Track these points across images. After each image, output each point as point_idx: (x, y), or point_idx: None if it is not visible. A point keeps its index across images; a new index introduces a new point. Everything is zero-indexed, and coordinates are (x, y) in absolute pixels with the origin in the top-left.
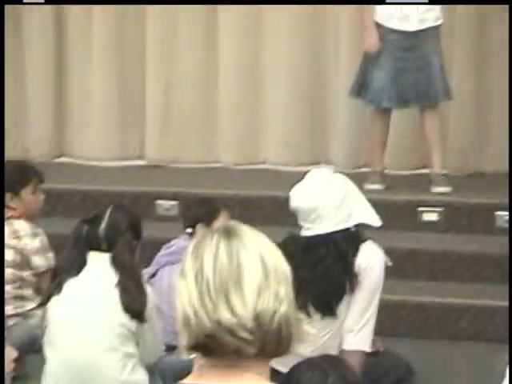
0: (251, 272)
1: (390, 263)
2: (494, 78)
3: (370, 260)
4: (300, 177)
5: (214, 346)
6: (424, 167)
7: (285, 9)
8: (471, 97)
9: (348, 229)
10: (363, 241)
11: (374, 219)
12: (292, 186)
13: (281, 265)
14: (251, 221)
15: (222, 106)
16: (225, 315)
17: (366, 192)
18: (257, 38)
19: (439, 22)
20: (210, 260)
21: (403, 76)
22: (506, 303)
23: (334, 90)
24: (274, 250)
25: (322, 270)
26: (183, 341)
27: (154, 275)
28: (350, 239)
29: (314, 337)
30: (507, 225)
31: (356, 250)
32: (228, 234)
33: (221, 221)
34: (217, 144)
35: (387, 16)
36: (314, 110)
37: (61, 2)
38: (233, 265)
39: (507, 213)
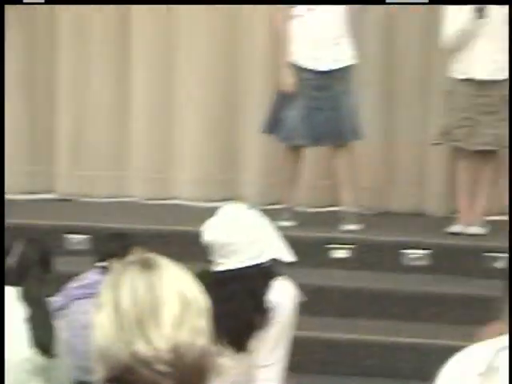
0: (169, 304)
1: (301, 299)
2: (402, 119)
3: (282, 296)
4: (212, 212)
5: (130, 378)
6: (335, 205)
7: (197, 45)
8: (380, 136)
9: (261, 264)
10: (275, 277)
11: (287, 255)
12: (203, 221)
13: (199, 297)
14: (163, 256)
15: (134, 141)
16: (141, 347)
17: (277, 228)
18: (168, 75)
19: (352, 62)
20: (127, 292)
21: (316, 115)
22: (414, 340)
23: (246, 127)
24: (192, 283)
25: (233, 306)
26: (99, 374)
27: (62, 308)
28: (262, 275)
29: (229, 371)
30: (415, 262)
31: (268, 286)
32: (146, 266)
33: (134, 255)
34: (128, 179)
35: (301, 56)
36: (225, 146)
37: (61, 2)
38: (150, 297)
39: (414, 251)
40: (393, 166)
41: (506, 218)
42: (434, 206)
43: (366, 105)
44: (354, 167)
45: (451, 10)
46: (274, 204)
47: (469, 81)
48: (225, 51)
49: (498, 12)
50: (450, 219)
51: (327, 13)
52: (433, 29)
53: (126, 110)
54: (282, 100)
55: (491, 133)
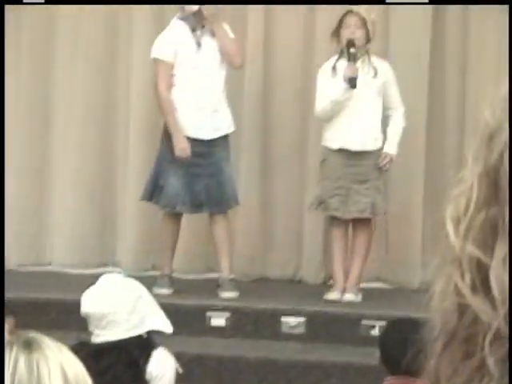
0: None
1: (180, 370)
2: (278, 186)
3: (162, 367)
4: (88, 279)
5: None
6: (212, 271)
7: (74, 111)
8: (257, 204)
9: (140, 335)
10: (154, 347)
11: (165, 326)
12: (80, 288)
13: (82, 375)
14: (37, 326)
15: (8, 207)
16: None
17: (154, 296)
18: (45, 141)
19: (231, 130)
20: (9, 373)
21: (196, 182)
22: None
23: (122, 192)
24: (75, 361)
25: (111, 378)
26: None
27: None
28: (141, 346)
29: None
30: (292, 330)
31: (147, 356)
32: (28, 345)
33: (6, 327)
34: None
35: (182, 124)
36: (101, 211)
37: (61, 2)
38: (33, 377)
39: (291, 318)
40: (270, 233)
41: (381, 285)
42: (310, 273)
43: (243, 171)
44: (231, 233)
45: (322, 80)
46: (150, 270)
47: (341, 150)
48: (102, 115)
49: (368, 82)
50: (326, 286)
51: (206, 79)
52: (308, 96)
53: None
54: (162, 167)
55: (365, 201)
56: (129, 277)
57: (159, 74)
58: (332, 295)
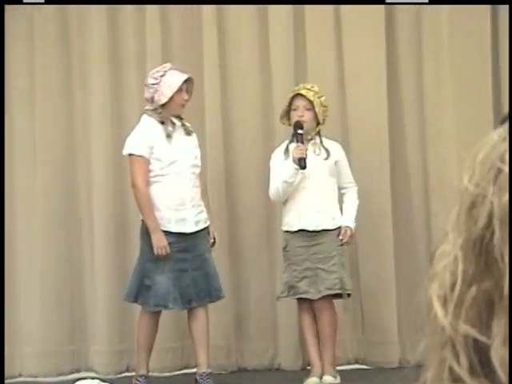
0: None
1: None
2: (250, 273)
3: None
4: None
5: None
6: (188, 367)
7: (35, 213)
8: (229, 292)
9: None
10: None
11: None
12: None
13: None
14: None
15: None
16: None
17: None
18: (10, 245)
19: (209, 223)
20: None
21: (183, 276)
22: None
23: (91, 295)
24: None
25: None
26: None
27: None
28: None
29: None
30: None
31: None
32: None
33: None
34: None
35: (166, 220)
36: (72, 315)
37: (61, 2)
38: None
39: None
40: (244, 322)
41: (360, 366)
42: (288, 360)
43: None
44: (208, 326)
45: (275, 162)
46: (124, 372)
47: (301, 231)
48: (64, 216)
49: (320, 163)
50: (305, 372)
51: (184, 175)
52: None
53: None
54: (147, 266)
55: (333, 277)
56: (103, 381)
57: (135, 169)
58: (312, 380)
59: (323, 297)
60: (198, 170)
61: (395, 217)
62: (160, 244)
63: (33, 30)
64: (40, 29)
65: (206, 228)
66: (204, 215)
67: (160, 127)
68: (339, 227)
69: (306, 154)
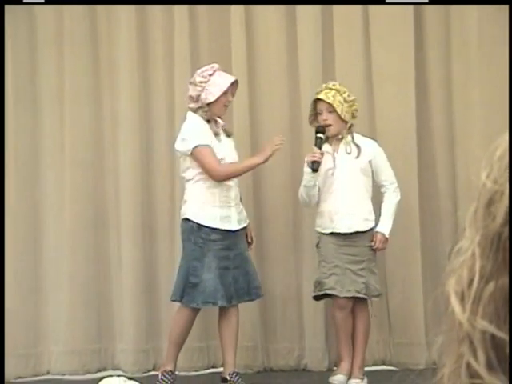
0: None
1: None
2: (276, 273)
3: None
4: None
5: None
6: (213, 366)
7: (63, 216)
8: None
9: None
10: None
11: None
12: None
13: None
14: None
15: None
16: None
17: None
18: (37, 244)
19: (248, 221)
20: None
21: (226, 274)
22: None
23: (119, 294)
24: None
25: None
26: None
27: None
28: None
29: None
30: None
31: None
32: None
33: None
34: None
35: (210, 217)
36: (99, 314)
37: (61, 2)
38: None
39: None
40: (271, 323)
41: (387, 367)
42: (314, 360)
43: None
44: (238, 326)
45: (304, 168)
46: (151, 371)
47: (333, 234)
48: (92, 217)
49: (350, 161)
50: (332, 372)
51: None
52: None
53: None
54: (193, 265)
55: (360, 281)
56: (130, 379)
57: (207, 160)
58: (338, 378)
59: (358, 300)
60: None
61: (422, 219)
62: (268, 148)
63: (62, 31)
64: (69, 30)
65: (246, 227)
66: (244, 214)
67: (207, 125)
68: (372, 228)
69: (320, 158)
